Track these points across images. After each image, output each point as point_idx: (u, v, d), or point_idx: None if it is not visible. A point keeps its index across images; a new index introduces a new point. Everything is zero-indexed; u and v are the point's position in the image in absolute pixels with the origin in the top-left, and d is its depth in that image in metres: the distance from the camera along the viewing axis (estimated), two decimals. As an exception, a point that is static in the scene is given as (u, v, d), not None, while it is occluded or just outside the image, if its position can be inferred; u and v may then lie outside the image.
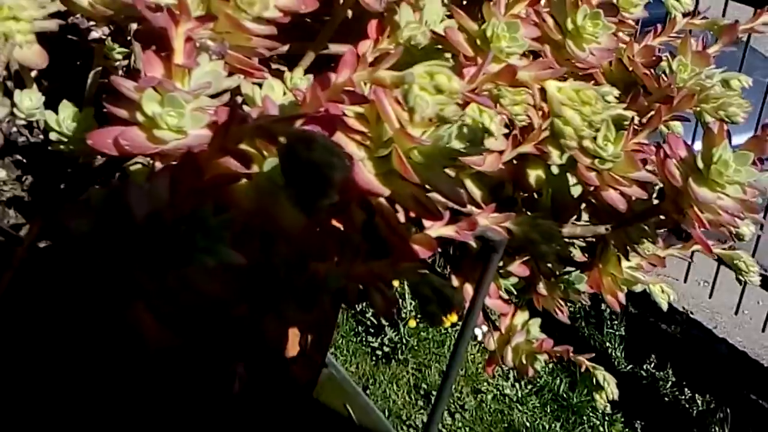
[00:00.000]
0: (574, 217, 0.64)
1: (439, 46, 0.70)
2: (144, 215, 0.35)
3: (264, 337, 0.47)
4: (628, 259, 0.66)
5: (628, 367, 2.78)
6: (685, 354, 2.81)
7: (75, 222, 0.35)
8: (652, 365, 2.76)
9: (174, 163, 0.37)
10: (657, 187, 0.63)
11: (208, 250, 0.35)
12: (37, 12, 0.47)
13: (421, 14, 0.75)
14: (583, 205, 0.67)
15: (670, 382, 2.72)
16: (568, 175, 0.67)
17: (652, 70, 0.71)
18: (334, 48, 0.74)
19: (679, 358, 2.78)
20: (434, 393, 2.68)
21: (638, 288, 0.71)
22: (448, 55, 0.71)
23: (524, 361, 0.77)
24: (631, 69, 0.72)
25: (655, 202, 0.62)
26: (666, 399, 2.70)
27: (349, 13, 0.73)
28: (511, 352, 0.77)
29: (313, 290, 0.46)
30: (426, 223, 0.54)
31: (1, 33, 0.45)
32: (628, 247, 0.63)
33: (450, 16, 0.75)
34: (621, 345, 2.85)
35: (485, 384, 2.70)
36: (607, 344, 2.85)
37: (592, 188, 0.60)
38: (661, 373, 2.74)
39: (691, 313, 2.93)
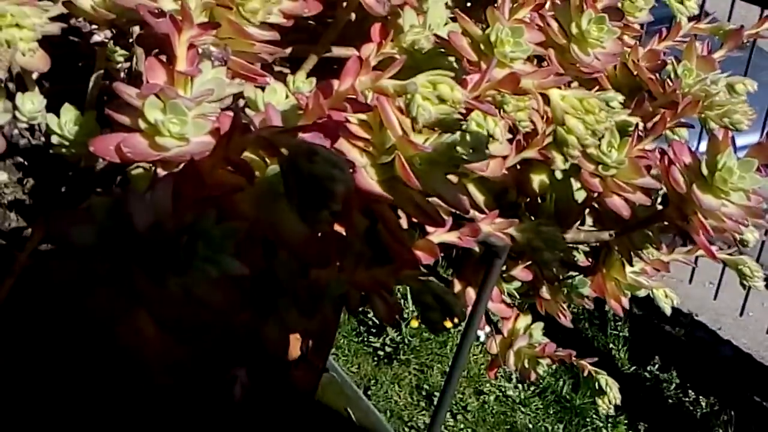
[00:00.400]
0: (578, 222, 0.64)
1: (443, 50, 0.70)
2: (146, 225, 0.34)
3: (265, 342, 0.47)
4: (631, 265, 0.66)
5: (631, 369, 2.77)
6: (690, 356, 2.80)
7: (76, 230, 0.35)
8: (656, 367, 2.75)
9: (176, 171, 0.37)
10: (661, 193, 0.63)
11: (210, 259, 0.35)
12: (39, 19, 0.47)
13: (425, 17, 0.75)
14: (587, 211, 0.67)
15: (674, 384, 2.71)
16: (572, 179, 0.67)
17: (657, 75, 0.71)
18: (338, 51, 0.73)
19: (684, 359, 2.77)
20: (436, 394, 2.68)
21: (642, 293, 0.71)
22: (451, 59, 0.70)
23: (527, 365, 0.77)
24: (635, 73, 0.71)
25: (659, 207, 0.62)
26: (670, 401, 2.69)
27: (353, 15, 0.73)
28: (514, 356, 0.77)
29: (314, 297, 0.46)
30: (429, 229, 0.54)
31: (4, 40, 0.45)
32: (631, 253, 0.63)
33: (454, 19, 0.74)
34: (625, 347, 2.84)
35: (488, 385, 2.69)
36: (611, 346, 2.84)
37: (595, 194, 0.60)
38: (665, 375, 2.73)
39: (696, 315, 2.92)
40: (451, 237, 0.52)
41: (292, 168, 0.32)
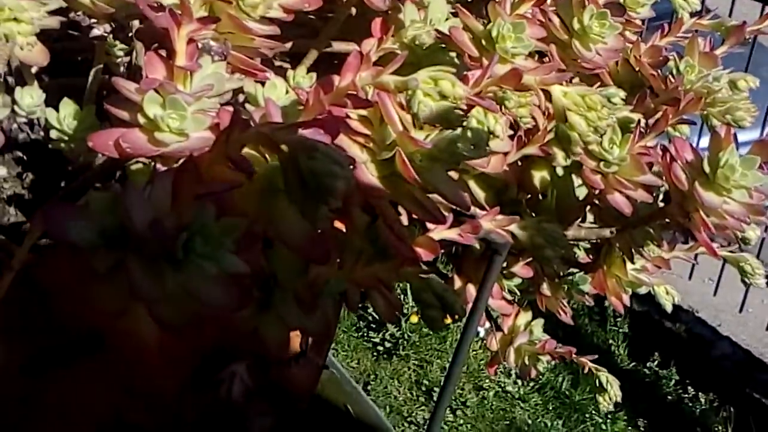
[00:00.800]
0: (579, 219, 0.64)
1: (444, 46, 0.70)
2: (144, 222, 0.34)
3: (264, 340, 0.47)
4: (632, 262, 0.65)
5: (631, 365, 2.78)
6: (689, 352, 2.80)
7: (74, 227, 0.35)
8: (656, 363, 2.76)
9: (175, 167, 0.36)
10: (662, 190, 0.63)
11: (208, 256, 0.35)
12: (38, 13, 0.47)
13: (426, 12, 0.74)
14: (588, 207, 0.67)
15: (673, 380, 2.72)
16: (573, 176, 0.67)
17: (659, 71, 0.71)
18: (338, 46, 0.73)
19: (683, 356, 2.77)
20: (436, 389, 2.68)
21: (643, 290, 0.71)
22: (452, 54, 0.70)
23: (527, 362, 0.77)
24: (637, 69, 0.71)
25: (661, 204, 0.62)
26: (669, 397, 2.69)
27: (353, 10, 0.72)
28: (514, 353, 0.77)
29: (314, 294, 0.46)
30: (429, 225, 0.54)
31: (2, 34, 0.45)
32: (632, 250, 0.62)
33: (455, 14, 0.74)
34: (624, 342, 2.85)
35: (487, 381, 2.70)
36: (611, 342, 2.84)
37: (597, 191, 0.60)
38: (665, 371, 2.74)
39: (696, 311, 2.92)
40: (452, 234, 0.51)
41: (292, 164, 0.32)
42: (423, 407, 2.67)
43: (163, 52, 0.49)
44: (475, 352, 2.78)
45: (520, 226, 0.54)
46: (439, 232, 0.51)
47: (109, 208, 0.36)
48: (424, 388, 2.75)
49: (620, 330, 2.87)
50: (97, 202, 0.36)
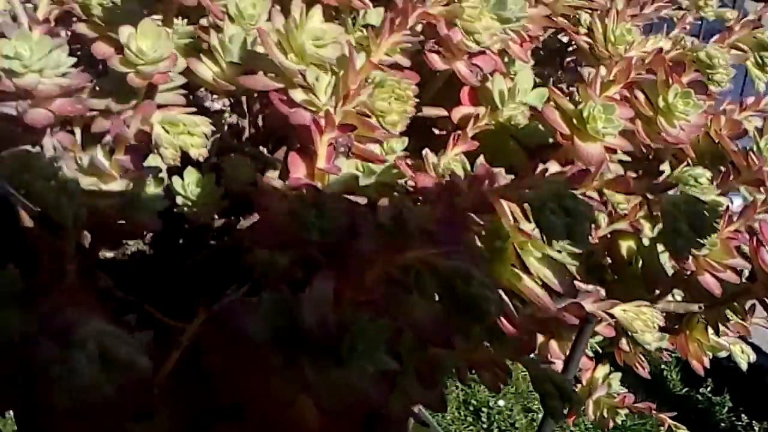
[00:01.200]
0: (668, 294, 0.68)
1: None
2: (313, 322, 0.40)
3: (388, 414, 0.52)
4: (718, 335, 0.69)
5: (683, 391, 2.76)
6: (743, 379, 2.77)
7: (252, 326, 0.41)
8: (709, 389, 2.73)
9: (336, 271, 0.42)
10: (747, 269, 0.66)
11: (368, 355, 0.40)
12: (207, 128, 0.53)
13: (514, 84, 0.79)
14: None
15: (726, 407, 2.69)
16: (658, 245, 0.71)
17: (739, 144, 0.74)
18: (428, 111, 0.79)
19: (737, 383, 2.74)
20: (483, 409, 2.71)
21: (723, 354, 0.74)
22: (541, 127, 0.75)
23: (605, 415, 0.81)
24: (717, 141, 0.75)
25: (745, 281, 0.65)
26: (722, 424, 2.67)
27: (441, 73, 0.78)
28: (593, 406, 0.81)
29: (434, 371, 0.51)
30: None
31: (177, 146, 0.52)
32: (718, 323, 0.66)
33: (537, 84, 0.79)
34: (677, 368, 2.83)
35: (536, 402, 2.71)
36: (663, 367, 2.83)
37: (688, 272, 0.64)
38: (718, 397, 2.71)
39: (749, 337, 2.88)
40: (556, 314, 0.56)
41: (450, 288, 0.37)
42: (471, 427, 2.70)
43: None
44: (524, 373, 2.79)
45: (621, 309, 0.58)
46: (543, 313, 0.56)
47: (280, 309, 0.41)
48: (471, 408, 2.77)
49: (673, 355, 2.84)
50: (269, 303, 0.42)
